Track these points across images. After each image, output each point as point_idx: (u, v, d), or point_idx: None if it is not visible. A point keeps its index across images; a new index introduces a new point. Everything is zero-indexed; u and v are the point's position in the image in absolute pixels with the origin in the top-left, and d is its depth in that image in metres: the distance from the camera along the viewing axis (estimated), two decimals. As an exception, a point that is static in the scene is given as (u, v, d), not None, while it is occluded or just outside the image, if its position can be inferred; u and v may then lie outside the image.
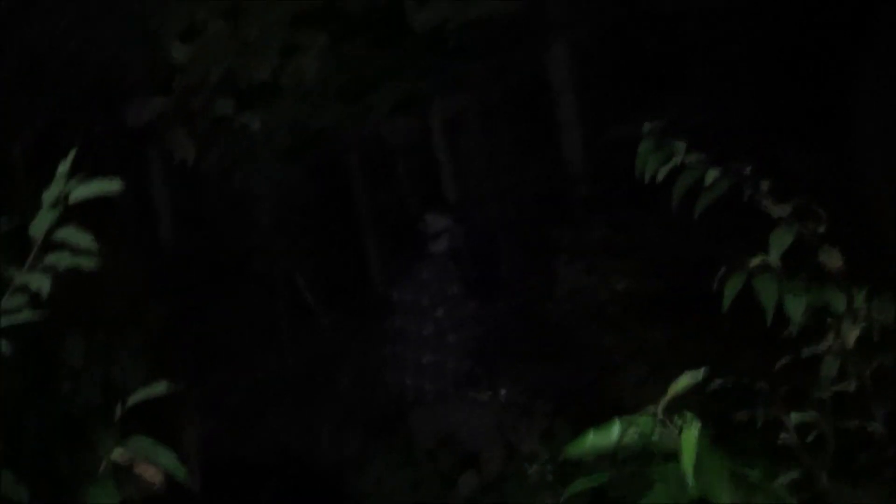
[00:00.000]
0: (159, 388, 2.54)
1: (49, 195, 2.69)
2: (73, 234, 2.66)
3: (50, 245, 2.66)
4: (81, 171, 2.70)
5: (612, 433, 1.97)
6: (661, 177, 2.94)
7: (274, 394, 8.24)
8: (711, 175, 2.83)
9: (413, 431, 7.11)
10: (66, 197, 2.66)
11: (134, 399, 2.50)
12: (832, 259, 2.59)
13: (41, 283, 2.60)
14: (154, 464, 2.43)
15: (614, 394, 7.58)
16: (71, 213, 2.68)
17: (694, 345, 7.50)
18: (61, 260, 2.64)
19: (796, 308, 2.45)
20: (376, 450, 7.51)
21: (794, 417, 2.41)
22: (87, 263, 2.65)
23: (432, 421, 6.80)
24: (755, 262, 2.60)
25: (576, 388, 7.95)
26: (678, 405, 2.00)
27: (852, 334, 2.54)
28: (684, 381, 1.92)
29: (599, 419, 6.46)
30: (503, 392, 6.78)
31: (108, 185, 2.65)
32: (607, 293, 7.94)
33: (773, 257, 2.56)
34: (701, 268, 7.81)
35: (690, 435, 1.80)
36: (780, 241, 2.59)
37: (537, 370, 8.19)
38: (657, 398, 6.63)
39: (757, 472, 1.92)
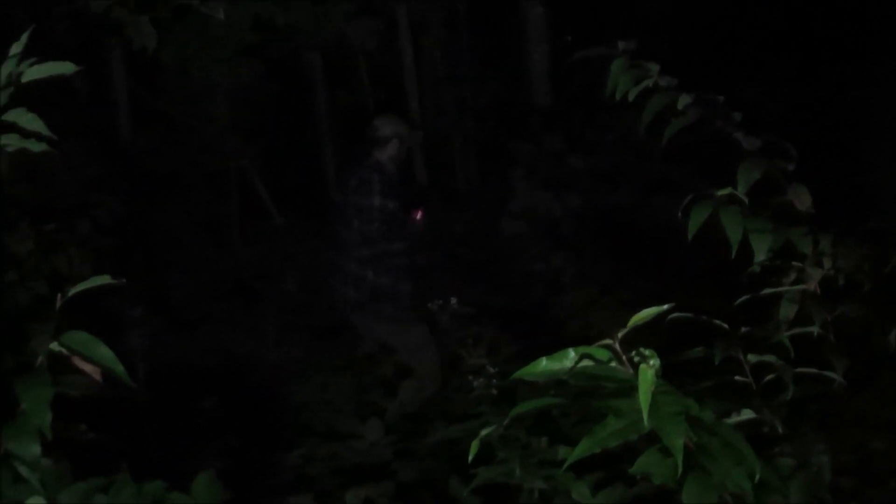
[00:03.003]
0: (101, 279, 2.44)
1: (0, 75, 2.58)
2: (23, 117, 2.56)
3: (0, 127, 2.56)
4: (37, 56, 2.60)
5: (566, 361, 1.92)
6: (632, 97, 2.87)
7: (222, 293, 8.16)
8: (683, 101, 2.76)
9: (356, 337, 7.07)
10: (19, 77, 2.56)
11: (75, 290, 2.41)
12: (801, 198, 2.54)
13: (-10, 166, 2.52)
14: (90, 360, 2.35)
15: (562, 312, 7.58)
16: (25, 99, 2.58)
17: (648, 269, 7.51)
18: (10, 142, 2.55)
19: (761, 245, 2.40)
20: (321, 354, 7.49)
21: (752, 358, 2.37)
22: (36, 147, 2.55)
23: (374, 328, 6.75)
24: (722, 193, 2.54)
25: (523, 305, 7.95)
26: (634, 339, 1.96)
27: (815, 278, 2.50)
28: (646, 313, 1.86)
29: (545, 338, 6.44)
30: (453, 301, 6.72)
31: (62, 67, 2.55)
32: (562, 210, 7.88)
33: (741, 190, 2.51)
34: (660, 191, 7.82)
35: (648, 372, 1.76)
36: (749, 175, 2.53)
37: (485, 284, 8.17)
38: (605, 320, 6.61)
39: (709, 413, 1.89)
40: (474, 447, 2.19)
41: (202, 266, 8.35)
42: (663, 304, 1.93)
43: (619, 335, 1.87)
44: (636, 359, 1.83)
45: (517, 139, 8.48)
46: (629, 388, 1.79)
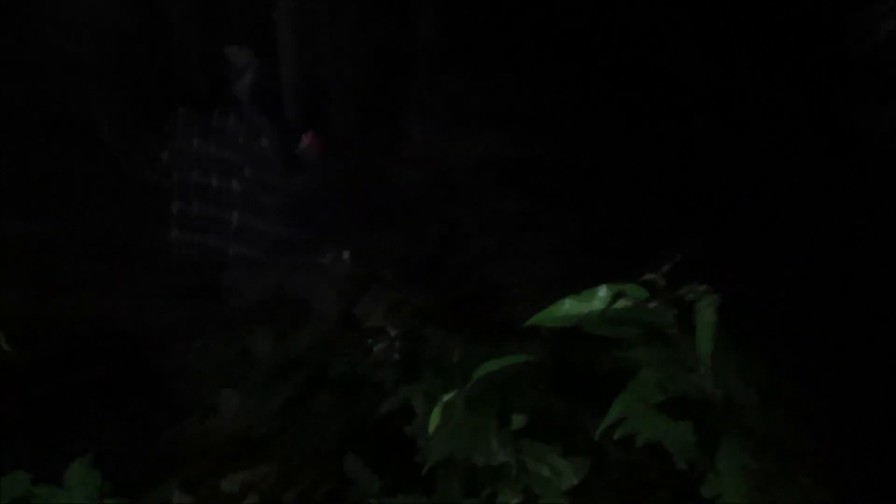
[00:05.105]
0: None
1: None
2: None
3: None
4: None
5: (596, 300, 1.44)
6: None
7: (76, 252, 7.48)
8: None
9: (232, 298, 6.53)
10: None
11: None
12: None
13: None
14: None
15: (460, 267, 7.16)
16: None
17: (550, 218, 7.13)
18: None
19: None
20: (196, 317, 6.88)
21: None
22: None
23: (259, 286, 6.25)
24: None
25: (417, 260, 7.49)
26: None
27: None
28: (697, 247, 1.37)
29: (445, 291, 5.86)
30: (346, 255, 6.25)
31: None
32: (459, 157, 7.43)
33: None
34: (564, 136, 7.41)
35: (709, 312, 1.30)
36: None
37: (372, 237, 7.68)
38: (508, 271, 6.07)
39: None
40: (436, 415, 1.92)
41: (55, 219, 7.64)
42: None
43: (665, 269, 1.42)
44: (689, 296, 1.38)
45: (409, 80, 8.00)
46: (662, 335, 1.34)
